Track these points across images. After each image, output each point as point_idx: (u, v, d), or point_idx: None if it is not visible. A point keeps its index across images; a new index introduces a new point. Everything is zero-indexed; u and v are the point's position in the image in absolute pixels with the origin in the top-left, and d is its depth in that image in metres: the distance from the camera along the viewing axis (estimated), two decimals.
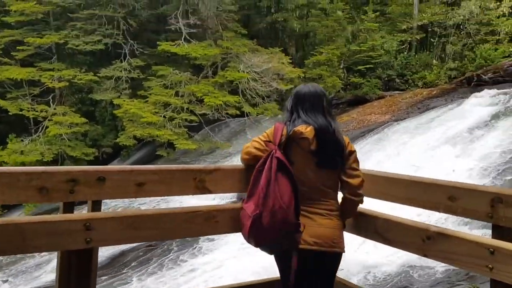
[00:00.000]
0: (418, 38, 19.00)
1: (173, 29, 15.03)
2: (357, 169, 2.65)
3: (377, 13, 19.72)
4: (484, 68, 16.23)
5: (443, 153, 10.91)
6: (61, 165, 15.22)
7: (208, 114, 14.51)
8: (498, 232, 2.26)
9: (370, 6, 20.32)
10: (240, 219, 2.55)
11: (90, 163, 15.70)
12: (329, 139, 2.55)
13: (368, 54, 18.33)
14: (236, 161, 10.64)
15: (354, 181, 2.61)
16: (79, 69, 15.97)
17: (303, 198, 2.49)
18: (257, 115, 15.84)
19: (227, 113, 14.72)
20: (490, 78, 15.81)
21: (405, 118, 13.63)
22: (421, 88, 17.24)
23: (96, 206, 2.29)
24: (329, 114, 2.63)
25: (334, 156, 2.56)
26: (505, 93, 13.35)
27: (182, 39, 14.72)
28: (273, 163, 2.46)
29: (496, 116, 11.86)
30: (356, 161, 2.66)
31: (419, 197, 2.62)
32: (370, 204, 2.84)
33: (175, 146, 14.22)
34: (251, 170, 2.55)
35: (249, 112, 15.19)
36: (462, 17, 17.24)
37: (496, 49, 16.62)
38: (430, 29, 18.92)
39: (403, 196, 2.72)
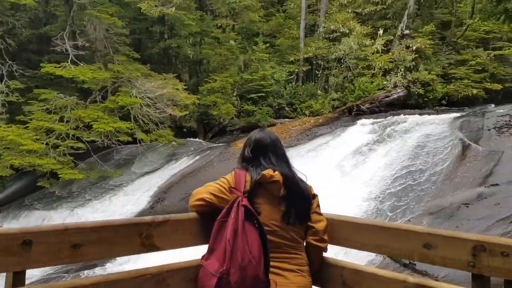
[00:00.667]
0: (305, 69, 20.23)
1: (58, 50, 14.05)
2: (321, 214, 2.54)
3: (267, 44, 20.65)
4: (362, 99, 17.81)
5: (331, 178, 11.60)
6: None
7: (97, 141, 13.68)
8: (480, 282, 2.11)
9: (260, 38, 21.21)
10: (199, 279, 2.25)
11: None
12: (295, 189, 2.42)
13: (259, 83, 19.00)
14: (131, 191, 10.03)
15: (319, 226, 2.47)
16: None
17: (271, 250, 2.26)
18: (150, 142, 15.35)
19: (118, 140, 14.01)
20: (367, 108, 17.37)
21: (296, 145, 14.27)
22: (309, 116, 18.28)
23: (18, 279, 1.83)
24: (289, 164, 2.53)
25: (302, 207, 2.42)
26: (380, 122, 14.72)
27: (69, 61, 13.81)
28: (240, 212, 2.23)
29: (375, 143, 12.93)
30: (319, 205, 2.54)
31: (390, 244, 2.39)
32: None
33: (59, 176, 13.10)
34: (206, 220, 2.30)
35: (142, 139, 14.66)
36: (342, 52, 18.81)
37: (372, 82, 18.35)
38: (314, 62, 20.29)
39: (372, 244, 2.48)
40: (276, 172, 2.37)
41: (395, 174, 10.94)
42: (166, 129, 15.84)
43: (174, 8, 16.19)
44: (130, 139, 14.40)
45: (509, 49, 19.68)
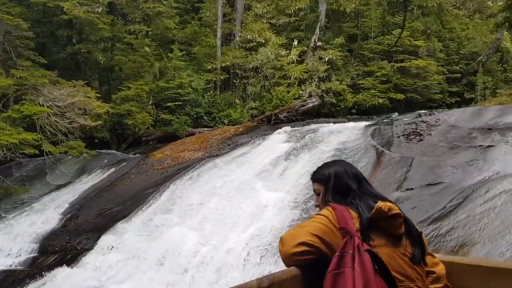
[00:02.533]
0: (222, 78, 20.16)
1: None
2: (433, 255, 2.07)
3: (184, 52, 20.24)
4: (280, 108, 18.15)
5: (255, 187, 11.56)
6: None
7: None
8: None
9: (176, 45, 20.74)
10: None
11: None
12: (411, 224, 1.96)
13: (176, 91, 18.53)
14: (39, 209, 9.05)
15: (439, 270, 2.00)
16: None
17: None
18: (59, 154, 14.15)
19: (23, 153, 12.70)
20: (285, 117, 17.73)
21: (217, 155, 14.04)
22: (228, 125, 18.19)
23: None
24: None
25: (422, 247, 1.96)
26: (298, 131, 15.04)
27: None
28: (366, 260, 1.71)
29: (295, 151, 13.15)
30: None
31: None
32: None
33: None
34: (310, 274, 1.77)
35: (49, 151, 13.45)
36: (260, 61, 19.04)
37: (288, 91, 18.79)
38: (232, 71, 20.32)
39: None
40: (393, 204, 1.92)
41: None
42: (77, 140, 14.73)
43: (83, 9, 15.15)
44: (36, 151, 13.14)
45: (409, 61, 21.32)
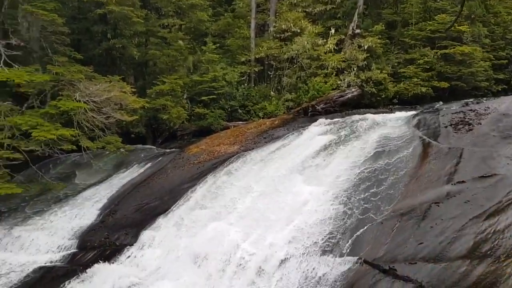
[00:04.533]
0: (257, 70, 19.75)
1: None
2: None
3: (217, 45, 19.93)
4: (317, 99, 17.60)
5: (294, 181, 11.12)
6: None
7: (37, 150, 12.33)
8: None
9: (209, 38, 20.47)
10: None
11: None
12: None
13: (210, 85, 18.27)
14: (78, 204, 8.90)
15: None
16: None
17: None
18: (97, 150, 14.15)
19: (61, 149, 12.72)
20: (322, 108, 17.18)
21: (253, 148, 13.69)
22: (263, 118, 17.81)
23: None
24: None
25: None
26: (337, 122, 14.47)
27: (1, 62, 12.35)
28: None
29: (334, 144, 12.61)
30: None
31: None
32: None
33: None
34: None
35: (87, 147, 13.44)
36: (295, 51, 18.52)
37: (325, 82, 18.20)
38: (266, 62, 19.88)
39: None
40: None
41: (359, 175, 10.64)
42: (114, 135, 14.68)
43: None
44: (74, 147, 13.14)
45: (453, 47, 20.28)
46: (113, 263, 9.79)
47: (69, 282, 9.06)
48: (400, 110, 16.10)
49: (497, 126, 11.30)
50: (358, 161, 11.22)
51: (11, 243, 11.17)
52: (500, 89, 22.41)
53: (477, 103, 15.90)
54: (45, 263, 10.12)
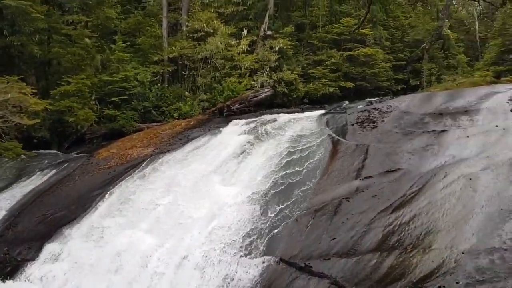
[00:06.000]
0: (170, 70, 19.32)
1: None
2: None
3: (127, 44, 19.15)
4: (232, 99, 17.65)
5: (211, 183, 11.01)
6: None
7: None
8: None
9: (119, 36, 19.62)
10: None
11: None
12: None
13: (121, 85, 17.52)
14: None
15: None
16: None
17: None
18: None
19: None
20: (237, 109, 17.26)
21: (169, 150, 13.34)
22: (178, 119, 17.46)
23: None
24: None
25: None
26: (252, 122, 14.61)
27: None
28: None
29: (250, 143, 12.70)
30: None
31: None
32: None
33: None
34: None
35: None
36: (209, 51, 18.39)
37: (240, 82, 18.31)
38: (180, 62, 19.52)
39: None
40: None
41: (274, 174, 10.80)
42: (13, 140, 13.48)
43: None
44: None
45: (358, 49, 21.44)
46: (15, 280, 8.96)
47: None
48: (310, 109, 16.67)
49: (399, 123, 12.06)
50: (273, 160, 11.39)
51: None
52: (399, 89, 24.07)
53: (380, 101, 16.92)
54: None
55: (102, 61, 18.41)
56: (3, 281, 8.86)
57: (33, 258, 9.53)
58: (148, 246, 9.06)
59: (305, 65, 21.09)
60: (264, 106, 17.65)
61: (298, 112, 16.03)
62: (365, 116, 13.12)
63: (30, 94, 13.54)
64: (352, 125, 12.66)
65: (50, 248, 9.65)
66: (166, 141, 14.33)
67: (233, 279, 8.08)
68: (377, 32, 23.66)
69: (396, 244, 7.07)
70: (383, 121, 12.42)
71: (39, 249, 9.70)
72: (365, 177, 9.60)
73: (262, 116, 15.29)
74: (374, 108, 13.60)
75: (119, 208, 10.61)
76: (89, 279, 8.61)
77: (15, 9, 15.46)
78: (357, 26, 18.17)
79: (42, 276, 9.02)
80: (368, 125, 12.51)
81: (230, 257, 8.49)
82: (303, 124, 13.33)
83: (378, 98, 19.83)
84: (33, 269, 9.25)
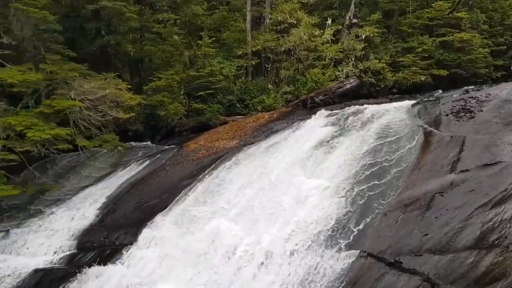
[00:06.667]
0: (254, 63, 19.52)
1: None
2: None
3: (213, 39, 19.67)
4: (316, 91, 17.40)
5: (295, 175, 10.95)
6: None
7: (33, 150, 12.15)
8: None
9: (205, 32, 20.21)
10: None
11: None
12: None
13: (207, 79, 18.04)
14: (76, 204, 8.73)
15: None
16: None
17: None
18: (94, 148, 13.95)
19: (56, 148, 12.53)
20: (321, 100, 16.97)
21: (253, 143, 13.51)
22: (261, 112, 17.60)
23: None
24: None
25: None
26: (337, 114, 14.28)
27: None
28: None
29: (334, 136, 12.43)
30: None
31: None
32: None
33: None
34: None
35: (84, 146, 13.24)
36: (292, 43, 18.29)
37: (324, 73, 17.98)
38: (263, 55, 19.64)
39: None
40: None
41: (361, 167, 10.48)
42: (111, 133, 14.47)
43: None
44: (70, 146, 12.93)
45: (452, 35, 20.05)
46: (113, 263, 9.62)
47: (68, 284, 8.89)
48: (399, 99, 15.90)
49: (499, 112, 11.14)
50: (359, 153, 11.06)
51: (7, 246, 11.01)
52: (499, 76, 22.17)
53: (478, 90, 15.72)
54: (43, 266, 9.94)
55: (189, 57, 19.12)
56: (105, 264, 9.50)
57: (130, 243, 10.17)
58: (234, 236, 9.25)
59: (394, 53, 20.17)
60: (349, 97, 17.17)
61: (386, 102, 15.37)
62: (461, 105, 12.28)
63: (125, 90, 14.41)
64: (447, 115, 11.92)
65: (144, 234, 10.23)
66: (250, 133, 14.51)
67: (317, 273, 7.98)
68: (474, 16, 21.93)
69: (496, 242, 6.67)
70: (481, 110, 11.55)
71: (135, 234, 10.32)
72: (461, 171, 8.99)
73: (348, 108, 14.91)
74: (471, 97, 12.69)
75: (206, 197, 10.95)
76: (179, 265, 8.99)
77: (111, 9, 16.55)
78: (451, 9, 17.01)
79: (137, 260, 9.59)
80: (464, 115, 11.68)
81: (315, 250, 8.39)
82: (392, 115, 12.76)
83: (475, 86, 18.44)
84: (129, 253, 9.86)
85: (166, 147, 15.69)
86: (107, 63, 18.69)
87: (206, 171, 12.06)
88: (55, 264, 10.06)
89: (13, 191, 11.59)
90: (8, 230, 11.52)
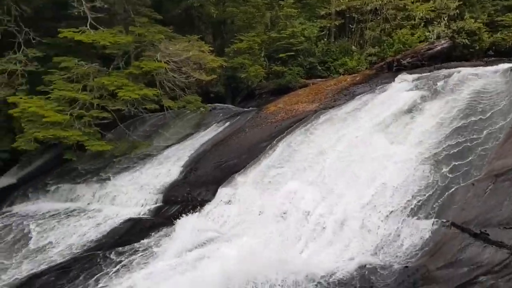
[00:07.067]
0: (337, 24, 18.83)
1: (75, 13, 13.14)
2: None
3: None
4: (403, 52, 16.46)
5: (377, 141, 10.61)
6: None
7: (123, 109, 12.96)
8: None
9: None
10: None
11: None
12: None
13: (288, 41, 17.76)
14: (161, 162, 9.27)
15: None
16: None
17: None
18: (178, 109, 14.55)
19: (144, 108, 13.26)
20: (408, 63, 16.04)
21: (333, 106, 13.23)
22: (343, 74, 17.09)
23: None
24: None
25: None
26: (425, 77, 13.45)
27: (88, 25, 12.91)
28: None
29: (421, 100, 11.76)
30: None
31: None
32: None
33: (86, 147, 12.53)
34: None
35: (169, 106, 13.87)
36: (379, 2, 17.34)
37: (412, 34, 16.92)
38: (348, 15, 18.84)
39: None
40: None
41: (448, 134, 9.87)
42: (194, 95, 14.97)
43: None
44: (157, 106, 13.63)
45: None
46: (195, 217, 10.14)
47: (155, 233, 9.55)
48: (496, 62, 14.55)
49: None
50: (447, 119, 10.41)
51: (103, 196, 12.04)
52: None
53: None
54: (134, 215, 10.78)
55: (271, 18, 18.90)
56: (186, 217, 10.05)
57: (210, 200, 10.64)
58: (310, 199, 9.28)
59: (492, 12, 18.33)
60: (440, 60, 15.99)
61: (481, 65, 14.15)
62: None
63: (208, 52, 14.71)
64: None
65: (224, 192, 10.63)
66: (330, 97, 14.21)
67: (396, 240, 7.81)
68: None
69: None
70: None
71: (215, 192, 10.77)
72: None
73: (437, 71, 13.99)
74: None
75: (284, 160, 11.03)
76: (257, 223, 9.25)
77: None
78: None
79: (217, 216, 10.03)
80: None
81: (394, 218, 8.18)
82: (486, 79, 11.75)
83: None
84: (210, 209, 10.33)
85: (246, 109, 15.90)
86: (191, 25, 19.09)
87: (285, 134, 12.10)
88: (143, 215, 10.86)
89: (107, 146, 12.57)
90: (104, 182, 12.57)
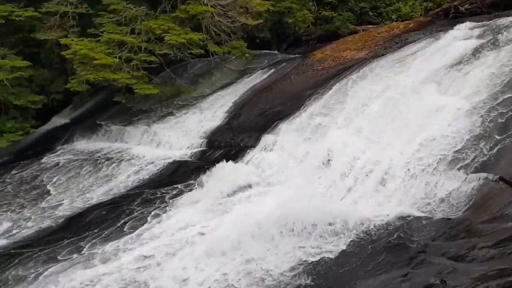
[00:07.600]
0: None
1: None
2: None
3: None
4: None
5: (427, 91, 10.21)
6: (5, 115, 13.61)
7: (170, 54, 13.07)
8: None
9: None
10: None
11: (38, 112, 14.14)
12: None
13: None
14: (206, 107, 9.43)
15: None
16: (16, 3, 13.86)
17: None
18: (223, 54, 14.50)
19: (190, 53, 13.31)
20: (467, 10, 15.03)
21: (383, 54, 12.74)
22: (396, 21, 16.30)
23: None
24: None
25: None
26: (484, 26, 12.58)
27: None
28: None
29: (478, 50, 11.08)
30: None
31: None
32: None
33: (135, 91, 12.85)
34: None
35: (214, 51, 13.83)
36: None
37: None
38: None
39: None
40: None
41: (503, 87, 9.31)
42: (239, 40, 14.80)
43: None
44: (202, 51, 13.63)
45: None
46: (237, 162, 10.35)
47: (199, 175, 9.86)
48: None
49: None
50: (504, 71, 9.79)
51: (150, 138, 12.46)
52: None
53: None
54: (178, 158, 11.14)
55: None
56: (228, 161, 10.27)
57: (253, 146, 10.78)
58: (355, 148, 9.18)
59: None
60: (502, 7, 14.85)
61: None
62: None
63: None
64: None
65: (266, 139, 10.71)
66: (381, 44, 13.66)
67: (440, 192, 7.67)
68: None
69: None
70: None
71: (257, 138, 10.87)
72: None
73: (498, 19, 13.00)
74: None
75: (330, 108, 10.87)
76: (299, 170, 9.33)
77: None
78: None
79: (259, 162, 10.17)
80: None
81: (440, 170, 7.99)
82: None
83: None
84: (252, 155, 10.49)
85: (292, 55, 15.61)
86: None
87: (331, 82, 11.85)
88: (188, 157, 11.21)
89: (154, 90, 12.83)
90: (150, 125, 12.96)
